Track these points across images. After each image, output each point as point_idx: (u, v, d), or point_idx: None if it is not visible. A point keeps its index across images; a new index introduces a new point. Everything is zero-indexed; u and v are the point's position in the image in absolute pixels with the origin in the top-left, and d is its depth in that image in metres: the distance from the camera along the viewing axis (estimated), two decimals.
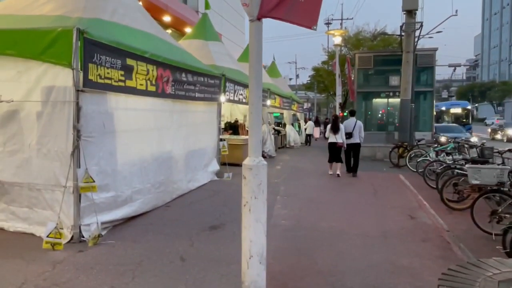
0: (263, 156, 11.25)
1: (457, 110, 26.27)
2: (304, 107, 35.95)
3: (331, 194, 8.47)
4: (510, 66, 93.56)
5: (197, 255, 4.56)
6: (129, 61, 5.61)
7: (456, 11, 24.23)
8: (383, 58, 16.84)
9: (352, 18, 64.30)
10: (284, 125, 19.53)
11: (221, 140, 9.80)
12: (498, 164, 7.15)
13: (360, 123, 11.04)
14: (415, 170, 10.97)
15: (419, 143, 12.91)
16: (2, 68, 5.03)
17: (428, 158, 10.76)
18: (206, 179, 8.81)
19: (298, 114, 22.78)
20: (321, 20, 49.80)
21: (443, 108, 27.75)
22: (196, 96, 8.11)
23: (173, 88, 6.94)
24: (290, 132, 19.37)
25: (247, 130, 12.06)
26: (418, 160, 11.03)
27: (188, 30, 16.05)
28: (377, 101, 17.32)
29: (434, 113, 17.76)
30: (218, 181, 9.22)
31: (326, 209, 7.01)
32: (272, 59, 22.34)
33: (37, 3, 5.91)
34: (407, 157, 12.17)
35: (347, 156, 11.06)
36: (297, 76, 62.10)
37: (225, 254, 4.60)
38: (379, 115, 17.52)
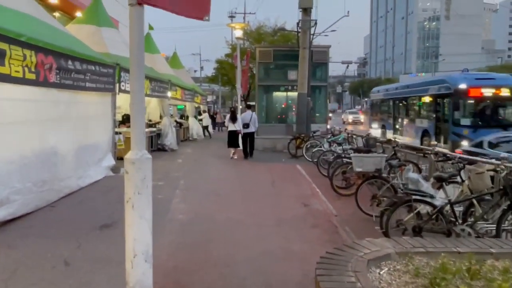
0: (164, 150, 10.92)
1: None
2: (209, 100, 35.83)
3: (231, 186, 8.56)
4: (393, 65, 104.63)
5: (84, 257, 4.24)
6: (1, 45, 4.94)
7: (348, 12, 26.20)
8: (282, 53, 17.46)
9: (255, 13, 65.68)
10: (187, 117, 19.22)
11: (117, 133, 9.26)
12: (379, 153, 7.89)
13: (255, 115, 13.14)
14: (310, 160, 11.63)
15: (314, 134, 13.70)
16: None
17: (322, 148, 11.48)
18: (100, 175, 8.24)
19: (201, 106, 22.60)
20: (225, 13, 49.97)
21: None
22: (87, 86, 7.51)
23: (57, 76, 6.31)
24: (193, 125, 19.14)
25: (146, 123, 11.48)
26: (313, 151, 11.70)
27: (79, 14, 14.77)
28: (277, 94, 17.94)
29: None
30: (114, 176, 8.70)
31: (225, 201, 7.06)
32: (174, 50, 21.77)
33: None
34: (304, 148, 12.83)
35: (244, 143, 12.87)
36: (202, 68, 61.63)
37: (116, 253, 4.32)
38: (279, 108, 18.19)
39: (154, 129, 13.58)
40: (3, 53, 4.97)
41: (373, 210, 5.75)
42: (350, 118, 42.90)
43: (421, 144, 13.92)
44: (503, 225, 4.26)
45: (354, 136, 11.62)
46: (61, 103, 6.69)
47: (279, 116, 17.96)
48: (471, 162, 5.37)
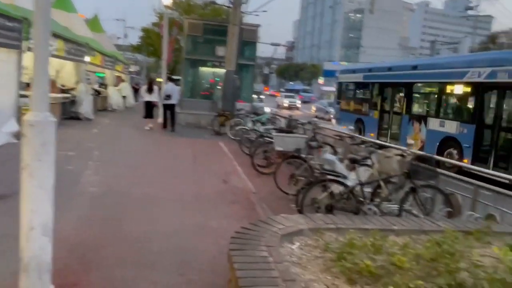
0: (79, 118, 10.15)
1: None
2: (132, 70, 34.03)
3: (150, 160, 8.24)
4: (319, 52, 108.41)
5: None
6: None
7: None
8: (212, 28, 17.04)
9: None
10: (106, 86, 18.05)
11: (22, 96, 8.35)
12: (300, 134, 8.12)
13: (177, 88, 13.90)
14: (234, 138, 11.64)
15: (239, 112, 13.70)
16: None
17: (245, 127, 11.53)
18: (1, 141, 7.40)
19: (123, 75, 21.32)
20: None
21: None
22: None
23: None
24: (113, 94, 18.03)
25: (59, 88, 10.56)
26: (237, 129, 11.71)
27: None
28: (204, 69, 17.57)
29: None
30: (17, 143, 7.86)
31: (142, 175, 6.77)
32: (95, 12, 20.15)
33: None
34: (228, 126, 12.79)
35: (165, 115, 13.32)
36: (126, 35, 58.16)
37: (12, 227, 3.92)
38: (206, 84, 17.87)
39: (67, 95, 12.53)
40: None
41: (291, 189, 5.93)
42: (286, 102, 39.34)
43: (441, 155, 9.61)
44: (404, 206, 4.63)
45: (278, 117, 11.84)
46: None
47: (205, 92, 17.66)
48: (383, 147, 5.75)
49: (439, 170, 4.82)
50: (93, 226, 4.24)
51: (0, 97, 7.51)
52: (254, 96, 36.24)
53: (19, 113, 8.23)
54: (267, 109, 17.16)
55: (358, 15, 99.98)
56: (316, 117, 28.26)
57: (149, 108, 13.17)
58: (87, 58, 12.98)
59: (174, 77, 17.90)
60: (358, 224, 2.78)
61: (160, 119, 13.66)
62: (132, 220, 4.53)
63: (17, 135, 8.05)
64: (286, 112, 18.41)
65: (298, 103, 39.90)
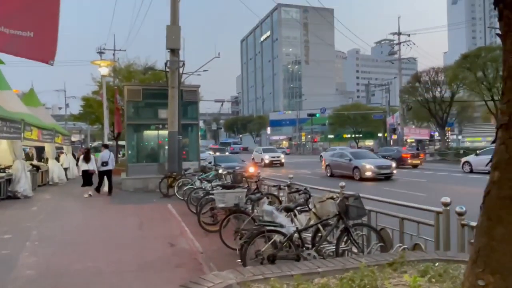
0: (16, 197, 9.77)
1: None
2: (75, 139, 33.22)
3: (93, 233, 7.98)
4: (263, 103, 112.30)
5: None
6: None
7: (219, 53, 27.61)
8: (152, 92, 17.38)
9: (125, 50, 64.12)
10: (47, 159, 17.46)
11: None
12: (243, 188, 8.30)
13: (112, 154, 14.35)
14: (182, 198, 11.57)
15: (186, 172, 13.74)
16: None
17: (193, 186, 11.54)
18: None
19: (64, 147, 20.75)
20: (93, 48, 47.81)
21: None
22: None
23: None
24: (54, 167, 17.42)
25: None
26: (184, 189, 11.70)
27: None
28: (148, 133, 17.62)
29: None
30: None
31: (84, 250, 6.54)
32: (31, 86, 19.82)
33: None
34: (176, 187, 12.73)
35: (101, 180, 13.85)
36: (67, 105, 57.20)
37: None
38: (151, 147, 17.85)
39: (3, 174, 11.99)
40: None
41: (237, 244, 5.99)
42: (267, 158, 30.96)
43: None
44: (341, 246, 4.86)
45: (225, 172, 12.01)
46: None
47: (150, 155, 17.58)
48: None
49: (367, 207, 5.15)
50: None
51: None
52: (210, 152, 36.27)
53: None
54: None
55: (296, 66, 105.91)
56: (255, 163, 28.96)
57: (87, 177, 13.52)
58: (22, 134, 12.64)
59: (107, 143, 17.80)
60: (285, 271, 2.93)
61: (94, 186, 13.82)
62: None
63: None
64: (268, 172, 18.43)
65: (282, 158, 31.82)
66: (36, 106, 17.65)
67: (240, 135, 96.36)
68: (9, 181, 12.25)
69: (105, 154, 13.77)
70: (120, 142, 27.32)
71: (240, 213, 6.34)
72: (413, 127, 50.46)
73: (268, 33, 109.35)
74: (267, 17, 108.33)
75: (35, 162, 16.59)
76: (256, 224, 5.31)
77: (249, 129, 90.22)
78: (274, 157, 31.34)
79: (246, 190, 6.92)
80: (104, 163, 13.56)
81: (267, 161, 30.60)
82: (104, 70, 15.20)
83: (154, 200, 12.44)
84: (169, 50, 14.82)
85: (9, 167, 12.98)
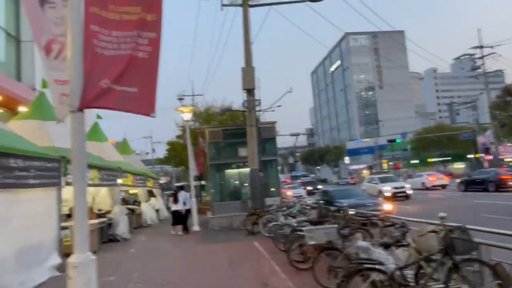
0: (117, 240, 10.49)
1: None
2: (162, 182, 35.32)
3: (188, 273, 8.24)
4: (339, 133, 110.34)
5: None
6: None
7: (291, 88, 28.12)
8: (231, 132, 18.03)
9: (203, 95, 68.06)
10: (139, 203, 18.72)
11: (63, 228, 8.81)
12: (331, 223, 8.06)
13: (188, 195, 15.62)
14: (268, 235, 11.55)
15: (269, 208, 13.77)
16: None
17: (278, 222, 11.49)
18: (44, 277, 7.65)
19: (154, 190, 22.18)
20: (174, 95, 51.54)
21: None
22: (30, 182, 7.27)
23: None
24: (146, 210, 18.60)
25: (95, 213, 11.11)
26: (270, 225, 11.68)
27: (23, 109, 14.63)
28: (229, 171, 18.17)
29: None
30: (60, 276, 8.10)
31: None
32: (124, 135, 21.81)
33: None
34: (260, 224, 12.78)
35: (185, 219, 15.16)
36: (153, 150, 61.45)
37: None
38: (233, 185, 18.32)
39: (104, 219, 13.05)
40: None
41: (331, 283, 5.76)
42: (387, 189, 23.70)
43: None
44: (450, 284, 4.42)
45: (308, 207, 11.82)
46: (1, 204, 6.38)
47: (233, 193, 18.00)
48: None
49: (477, 240, 4.68)
50: None
51: (44, 233, 7.94)
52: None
53: (61, 245, 8.62)
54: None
55: (369, 92, 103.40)
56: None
57: (177, 217, 14.82)
58: (119, 181, 13.76)
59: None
60: None
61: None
62: None
63: (60, 268, 8.34)
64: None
65: (407, 188, 24.27)
66: (129, 154, 19.25)
67: (318, 167, 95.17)
68: (109, 225, 13.27)
69: (183, 195, 15.16)
70: (194, 182, 28.46)
71: (332, 249, 6.13)
72: (510, 144, 45.82)
73: (338, 62, 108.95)
74: (335, 47, 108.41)
75: (130, 206, 17.85)
76: (352, 261, 5.07)
77: (326, 160, 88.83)
78: (397, 188, 24.00)
79: (336, 225, 6.70)
80: (184, 204, 14.91)
81: (388, 194, 22.83)
82: (187, 116, 16.18)
83: (240, 238, 12.58)
84: (245, 91, 15.39)
85: (109, 211, 14.13)
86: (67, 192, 9.47)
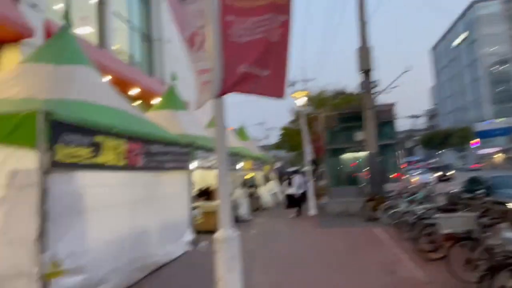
0: (239, 221, 11.12)
1: None
2: (276, 167, 36.32)
3: (308, 255, 8.37)
4: (465, 114, 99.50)
5: None
6: (97, 138, 5.63)
7: (409, 67, 26.19)
8: (347, 116, 17.58)
9: (315, 79, 67.53)
10: (257, 186, 19.53)
11: (194, 208, 9.67)
12: (465, 211, 7.35)
13: (303, 179, 15.75)
14: (389, 222, 11.06)
15: (390, 194, 13.15)
16: None
17: (400, 209, 10.90)
18: (181, 250, 8.54)
19: (270, 174, 22.92)
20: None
21: None
22: (167, 166, 8.11)
23: (143, 160, 6.95)
24: (263, 193, 19.34)
25: None
26: (391, 212, 11.15)
27: (155, 101, 16.34)
28: (345, 156, 17.83)
29: None
30: (193, 251, 8.95)
31: (304, 272, 6.89)
32: (240, 123, 22.89)
33: (4, 86, 5.99)
34: (380, 210, 12.29)
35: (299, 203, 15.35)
36: (267, 136, 63.45)
37: None
38: (349, 170, 17.94)
39: None
40: (99, 145, 5.65)
41: (469, 276, 5.28)
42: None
43: None
44: None
45: (433, 194, 10.97)
46: (147, 184, 7.27)
47: (349, 178, 17.65)
48: None
49: None
50: None
51: (179, 211, 8.83)
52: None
53: (192, 224, 9.49)
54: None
55: (503, 66, 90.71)
56: None
57: (291, 200, 15.29)
58: (239, 165, 14.53)
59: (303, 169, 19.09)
60: None
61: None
62: None
63: (193, 243, 9.20)
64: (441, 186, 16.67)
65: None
66: (246, 140, 20.17)
67: (440, 151, 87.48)
68: (232, 207, 14.14)
69: (297, 179, 15.47)
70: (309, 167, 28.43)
71: (470, 240, 5.59)
72: None
73: (464, 34, 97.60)
74: (459, 18, 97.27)
75: (250, 189, 18.77)
76: (497, 254, 4.56)
77: (450, 144, 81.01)
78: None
79: (475, 213, 6.08)
80: (299, 187, 15.26)
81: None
82: (301, 101, 16.25)
83: (357, 224, 12.29)
84: (361, 72, 14.79)
85: (231, 194, 15.06)
86: (195, 175, 10.34)
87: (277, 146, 39.14)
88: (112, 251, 5.84)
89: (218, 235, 2.78)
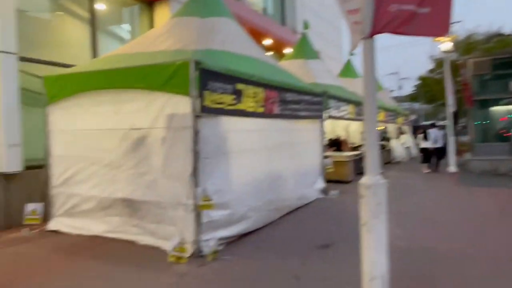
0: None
1: None
2: (410, 119, 34.00)
3: (446, 213, 7.80)
4: None
5: (310, 274, 4.56)
6: (239, 86, 5.96)
7: None
8: (502, 62, 15.14)
9: (461, 21, 58.80)
10: (389, 139, 18.64)
11: (325, 157, 9.75)
12: None
13: (442, 132, 14.70)
14: None
15: None
16: (134, 100, 5.74)
17: None
18: (313, 197, 8.81)
19: (404, 127, 21.57)
20: None
21: None
22: (301, 114, 8.24)
23: (279, 108, 7.17)
24: (396, 146, 18.40)
25: (350, 146, 11.79)
26: None
27: (287, 50, 16.44)
28: (496, 109, 15.62)
29: None
30: (324, 199, 9.14)
31: (443, 229, 6.47)
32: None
33: (158, 40, 6.67)
34: None
35: (433, 157, 14.45)
36: (400, 87, 59.15)
37: (339, 274, 4.53)
38: (500, 125, 15.74)
39: (358, 152, 13.69)
40: (241, 92, 5.99)
41: None
42: None
43: None
44: None
45: None
46: (282, 131, 7.54)
47: (499, 134, 15.51)
48: None
49: None
50: (407, 280, 4.33)
51: (312, 159, 9.02)
52: None
53: (324, 172, 9.61)
54: None
55: None
56: None
57: (426, 154, 14.55)
58: None
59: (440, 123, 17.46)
60: None
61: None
62: (444, 278, 4.37)
63: (323, 191, 9.37)
64: None
65: None
66: (379, 90, 19.10)
67: None
68: (361, 159, 13.84)
69: (435, 132, 14.49)
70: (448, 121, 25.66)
71: None
72: None
73: None
74: None
75: (380, 142, 18.06)
76: None
77: None
78: None
79: None
80: (434, 141, 14.25)
81: None
82: (447, 45, 14.50)
83: (509, 185, 10.89)
84: None
85: (361, 145, 14.73)
86: (326, 125, 10.30)
87: (412, 97, 36.23)
88: (251, 191, 6.31)
89: (364, 180, 2.75)
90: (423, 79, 29.06)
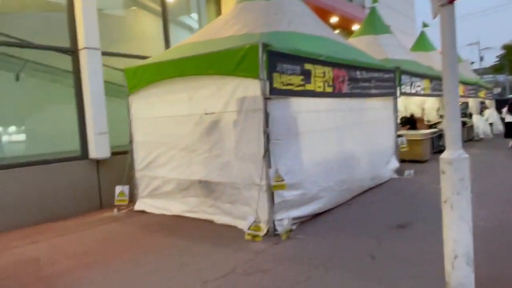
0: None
1: None
2: (494, 93, 31.20)
3: None
4: None
5: (386, 253, 4.49)
6: (307, 66, 5.92)
7: None
8: None
9: None
10: (470, 115, 17.32)
11: (398, 136, 9.36)
12: None
13: None
14: None
15: None
16: (205, 86, 5.97)
17: None
18: (386, 177, 8.55)
19: (487, 101, 19.86)
20: None
21: None
22: (372, 92, 7.97)
23: (348, 87, 7.00)
24: (478, 123, 17.05)
25: (426, 124, 11.22)
26: None
27: (355, 27, 15.84)
28: None
29: None
30: (398, 179, 8.82)
31: None
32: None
33: (226, 26, 6.82)
34: None
35: None
36: (481, 58, 54.28)
37: (415, 254, 4.40)
38: None
39: (434, 130, 12.93)
40: (309, 72, 5.94)
41: None
42: None
43: None
44: None
45: None
46: (352, 110, 7.37)
47: None
48: None
49: None
50: (494, 261, 4.10)
51: (385, 138, 8.72)
52: None
53: (398, 151, 9.25)
54: None
55: None
56: None
57: (510, 128, 13.82)
58: None
59: None
60: None
61: None
62: None
63: (398, 171, 9.05)
64: None
65: None
66: (458, 63, 17.69)
67: None
68: (439, 136, 13.05)
69: None
70: None
71: None
72: None
73: None
74: None
75: (461, 118, 16.85)
76: None
77: None
78: None
79: None
80: None
81: None
82: None
83: None
84: None
85: (438, 123, 13.86)
86: (399, 102, 9.85)
87: (496, 69, 33.08)
88: (322, 171, 6.30)
89: (445, 155, 2.62)
90: (508, 48, 26.34)
